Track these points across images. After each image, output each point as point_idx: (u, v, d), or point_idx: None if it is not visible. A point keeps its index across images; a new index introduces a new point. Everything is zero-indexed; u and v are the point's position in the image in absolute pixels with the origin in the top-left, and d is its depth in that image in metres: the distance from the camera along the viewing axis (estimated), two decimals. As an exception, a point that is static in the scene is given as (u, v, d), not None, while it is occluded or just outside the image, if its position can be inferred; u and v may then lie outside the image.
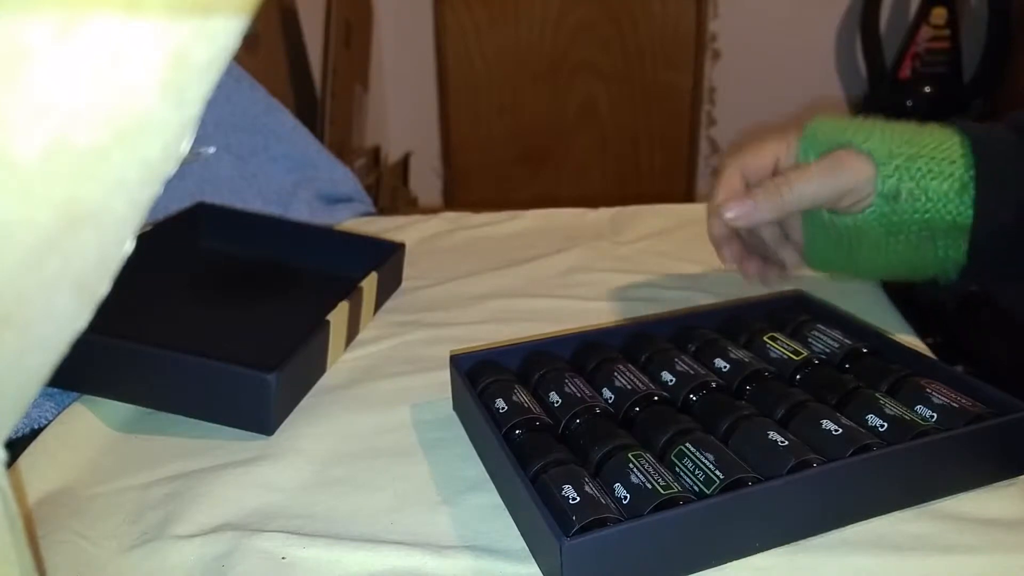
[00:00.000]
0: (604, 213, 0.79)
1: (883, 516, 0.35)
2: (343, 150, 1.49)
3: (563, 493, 0.32)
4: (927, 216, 0.44)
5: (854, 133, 0.46)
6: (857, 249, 0.48)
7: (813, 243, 0.50)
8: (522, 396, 0.40)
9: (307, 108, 1.42)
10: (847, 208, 0.46)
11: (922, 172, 0.44)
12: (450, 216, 0.80)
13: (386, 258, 0.59)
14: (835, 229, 0.47)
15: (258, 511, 0.37)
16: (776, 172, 0.49)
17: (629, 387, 0.41)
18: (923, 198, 0.44)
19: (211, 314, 0.56)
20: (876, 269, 0.50)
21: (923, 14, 1.78)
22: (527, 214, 0.79)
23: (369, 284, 0.55)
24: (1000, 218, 0.44)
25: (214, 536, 0.35)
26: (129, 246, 0.19)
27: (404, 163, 1.97)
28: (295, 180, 0.82)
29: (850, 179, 0.45)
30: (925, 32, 1.78)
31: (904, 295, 0.58)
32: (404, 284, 0.64)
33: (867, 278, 0.58)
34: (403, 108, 2.05)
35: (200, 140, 0.73)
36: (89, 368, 0.43)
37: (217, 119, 0.77)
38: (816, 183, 0.46)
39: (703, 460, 0.34)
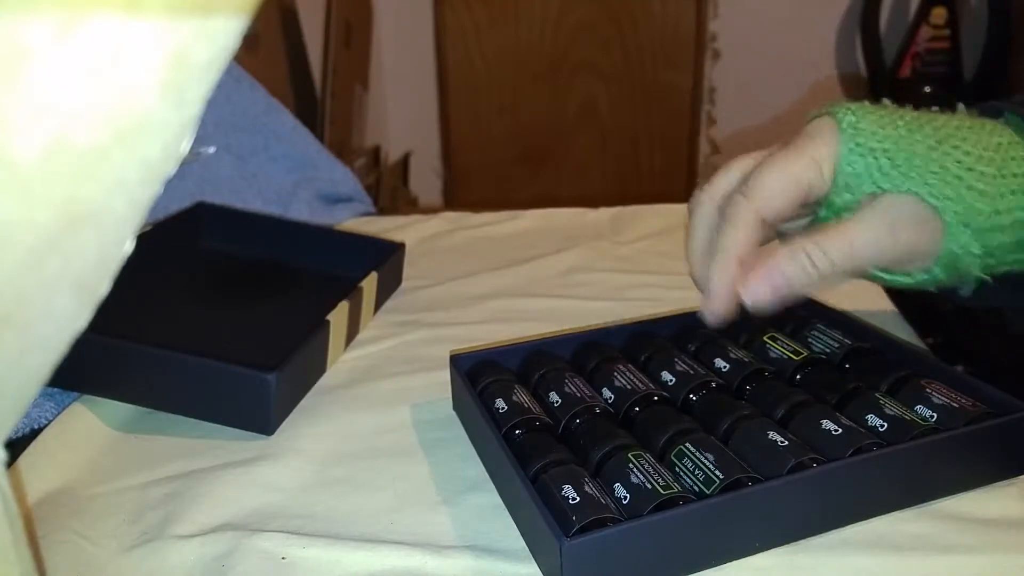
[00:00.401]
0: (604, 213, 0.79)
1: (883, 516, 0.35)
2: (343, 150, 1.49)
3: (563, 493, 0.32)
4: (978, 271, 0.38)
5: (919, 178, 0.35)
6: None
7: None
8: (522, 396, 0.40)
9: (307, 108, 1.42)
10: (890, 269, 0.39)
11: (994, 233, 0.36)
12: (450, 216, 0.80)
13: (386, 258, 0.59)
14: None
15: (258, 511, 0.37)
16: (807, 202, 0.38)
17: (629, 387, 0.41)
18: (986, 259, 0.37)
19: (211, 314, 0.56)
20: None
21: (923, 14, 1.78)
22: (527, 214, 0.79)
23: (369, 284, 0.55)
24: None
25: (214, 536, 0.35)
26: (129, 246, 0.19)
27: (404, 163, 1.97)
28: (295, 180, 0.82)
29: (909, 250, 0.36)
30: (925, 32, 1.78)
31: (904, 295, 0.58)
32: (404, 284, 0.64)
33: None
34: (403, 108, 2.06)
35: (200, 140, 0.73)
36: (89, 368, 0.43)
37: (217, 119, 0.77)
38: (870, 255, 0.36)
39: (703, 460, 0.34)
